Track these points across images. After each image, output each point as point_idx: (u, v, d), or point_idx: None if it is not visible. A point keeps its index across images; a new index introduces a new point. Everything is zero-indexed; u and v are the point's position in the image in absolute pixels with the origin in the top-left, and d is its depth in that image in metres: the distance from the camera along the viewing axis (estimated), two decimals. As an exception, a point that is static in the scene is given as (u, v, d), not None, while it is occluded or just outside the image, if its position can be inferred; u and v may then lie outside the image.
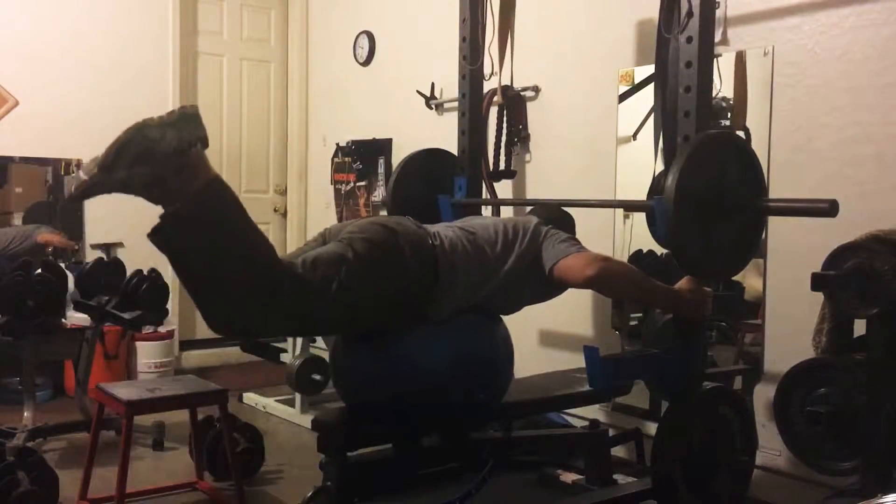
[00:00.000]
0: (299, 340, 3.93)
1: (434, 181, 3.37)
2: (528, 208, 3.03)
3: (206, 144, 1.85)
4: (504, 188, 3.94)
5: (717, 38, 2.90)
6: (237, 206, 1.90)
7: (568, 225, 2.76)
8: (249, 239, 1.91)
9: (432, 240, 2.21)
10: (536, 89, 3.88)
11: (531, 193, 3.91)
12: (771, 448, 2.83)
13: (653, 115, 3.16)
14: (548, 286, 2.39)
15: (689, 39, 2.43)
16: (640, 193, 3.11)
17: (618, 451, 3.20)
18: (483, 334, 2.34)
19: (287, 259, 2.04)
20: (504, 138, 3.85)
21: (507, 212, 3.86)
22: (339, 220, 5.21)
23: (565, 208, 2.96)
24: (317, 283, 1.98)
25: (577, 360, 2.36)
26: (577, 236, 2.47)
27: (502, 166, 3.87)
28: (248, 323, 1.96)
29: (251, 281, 1.89)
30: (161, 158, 1.78)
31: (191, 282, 1.93)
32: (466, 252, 2.25)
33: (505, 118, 3.85)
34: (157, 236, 1.85)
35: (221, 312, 1.96)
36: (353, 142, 5.15)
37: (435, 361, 2.22)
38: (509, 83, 3.71)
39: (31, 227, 4.74)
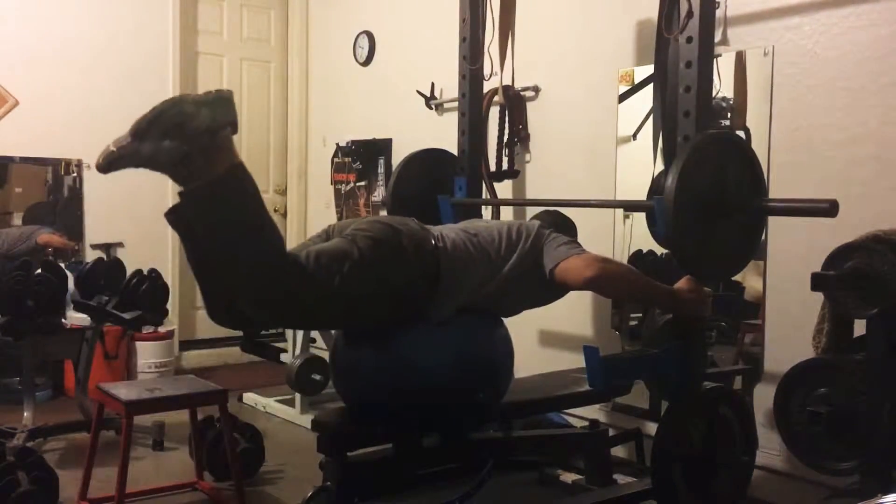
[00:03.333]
0: (299, 340, 3.93)
1: (434, 181, 3.37)
2: (529, 209, 3.04)
3: (235, 130, 1.89)
4: (504, 188, 3.94)
5: (717, 38, 2.90)
6: (255, 194, 1.93)
7: (570, 230, 2.78)
8: (262, 227, 1.93)
9: (435, 241, 2.22)
10: (536, 89, 3.88)
11: (531, 193, 3.91)
12: (771, 448, 2.83)
13: (652, 116, 3.17)
14: (548, 288, 2.40)
15: (689, 39, 2.43)
16: (640, 193, 3.12)
17: (618, 451, 3.20)
18: (483, 335, 2.34)
19: (292, 251, 2.06)
20: (505, 138, 3.85)
21: (507, 212, 3.86)
22: (340, 220, 5.21)
23: (566, 210, 2.96)
24: (320, 275, 1.99)
25: (577, 360, 2.36)
26: (578, 237, 2.47)
27: (504, 166, 3.87)
28: (250, 310, 1.99)
29: (257, 268, 1.92)
30: (192, 135, 1.80)
31: (198, 263, 1.98)
32: (469, 253, 2.26)
33: (507, 118, 3.84)
34: (174, 214, 1.90)
35: (224, 297, 2.01)
36: (353, 142, 5.15)
37: (435, 362, 2.22)
38: (510, 83, 3.71)
39: (31, 228, 4.74)
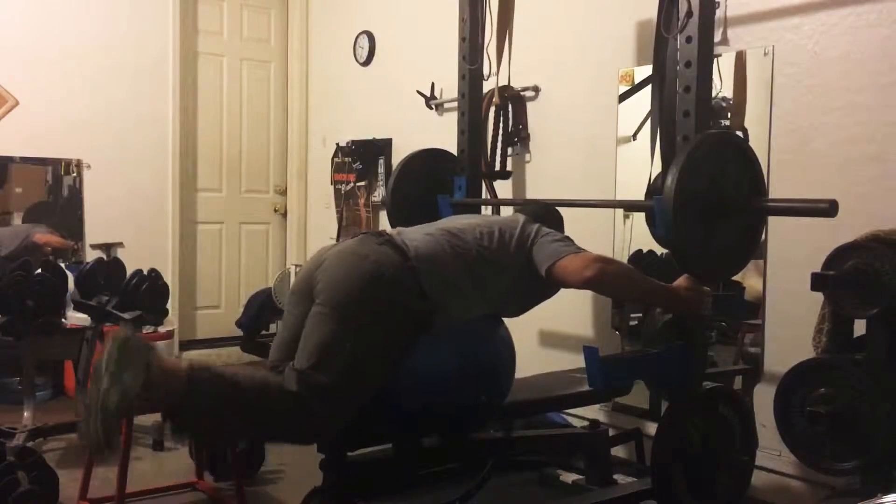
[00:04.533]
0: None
1: (434, 181, 3.37)
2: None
3: (152, 364, 1.91)
4: (504, 188, 3.94)
5: (717, 38, 2.90)
6: (224, 380, 2.00)
7: (555, 220, 2.72)
8: (250, 397, 2.01)
9: (408, 253, 2.20)
10: (536, 89, 3.88)
11: (531, 193, 3.91)
12: (771, 448, 2.83)
13: (651, 116, 3.16)
14: (544, 286, 2.39)
15: (689, 39, 2.43)
16: (640, 193, 3.12)
17: (618, 451, 3.19)
18: (484, 336, 2.34)
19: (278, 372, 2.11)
20: (500, 138, 3.84)
21: (506, 212, 3.85)
22: (339, 219, 5.22)
23: (566, 210, 2.96)
24: (333, 378, 2.05)
25: (577, 360, 2.36)
26: (578, 237, 2.46)
27: (498, 166, 3.87)
28: (319, 431, 2.12)
29: (277, 420, 2.05)
30: (133, 400, 1.87)
31: (225, 444, 2.20)
32: (448, 257, 2.25)
33: (502, 118, 3.84)
34: (175, 432, 2.10)
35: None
36: (353, 142, 5.15)
37: (436, 364, 2.21)
38: (508, 83, 3.70)
39: (26, 226, 4.73)
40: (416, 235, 2.32)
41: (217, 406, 1.97)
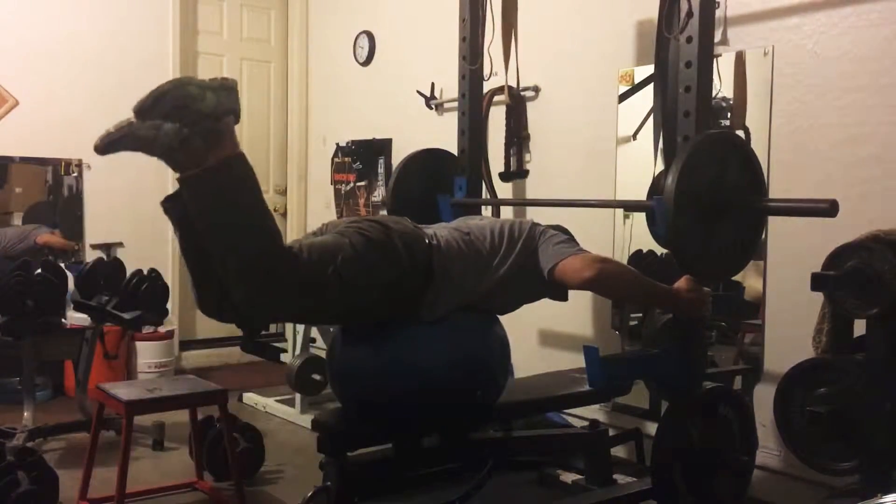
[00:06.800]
0: (299, 340, 3.93)
1: (434, 181, 3.37)
2: (529, 209, 3.03)
3: (237, 118, 1.88)
4: (504, 188, 3.94)
5: (717, 38, 2.90)
6: (255, 185, 1.93)
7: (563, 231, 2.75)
8: (259, 217, 1.92)
9: (429, 239, 2.22)
10: (536, 89, 3.88)
11: (531, 193, 3.91)
12: (771, 448, 2.83)
13: (652, 116, 3.17)
14: (545, 287, 2.39)
15: (689, 39, 2.43)
16: (640, 193, 3.12)
17: (618, 451, 3.19)
18: (478, 334, 2.34)
19: (288, 244, 2.05)
20: (514, 139, 3.85)
21: (507, 212, 3.86)
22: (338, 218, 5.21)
23: (566, 210, 2.96)
24: (314, 265, 1.99)
25: (577, 360, 2.36)
26: (578, 237, 2.46)
27: (511, 166, 3.87)
28: (241, 302, 1.97)
29: (252, 258, 1.90)
30: (195, 117, 1.79)
31: (191, 254, 1.97)
32: (461, 252, 2.25)
33: (513, 119, 3.84)
34: (170, 202, 1.89)
35: (215, 290, 1.99)
36: (353, 142, 5.16)
37: (430, 361, 2.21)
38: (513, 83, 3.69)
39: (28, 227, 4.74)
40: (431, 227, 2.36)
41: (234, 194, 1.88)
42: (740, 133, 3.03)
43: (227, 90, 1.85)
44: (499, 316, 2.43)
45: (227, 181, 1.87)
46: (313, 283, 2.00)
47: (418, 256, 2.15)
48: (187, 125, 1.79)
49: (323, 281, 2.00)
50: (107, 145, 1.79)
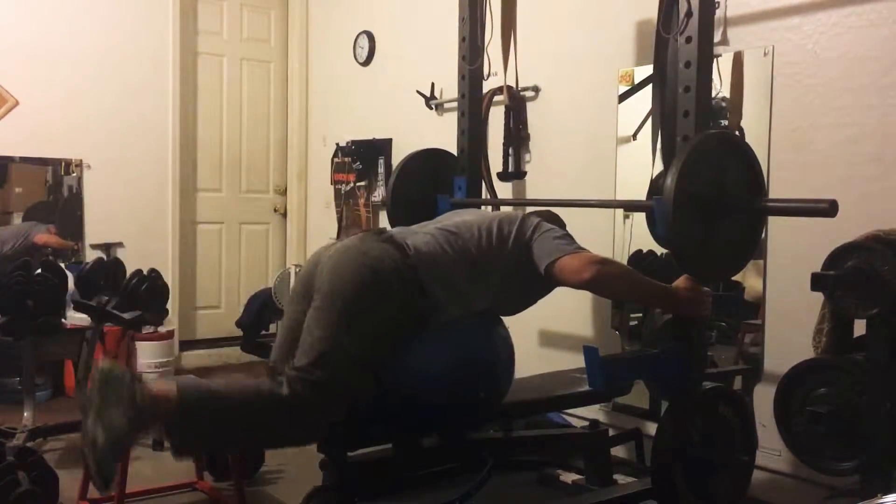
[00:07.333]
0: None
1: (434, 181, 3.37)
2: (529, 210, 3.02)
3: (138, 397, 1.90)
4: (504, 188, 3.94)
5: (717, 38, 2.90)
6: (215, 397, 2.02)
7: (556, 223, 2.73)
8: (243, 409, 2.03)
9: (408, 251, 2.20)
10: (536, 89, 3.88)
11: (531, 193, 3.91)
12: (771, 448, 2.83)
13: (652, 116, 3.17)
14: (542, 283, 2.39)
15: (689, 39, 2.43)
16: (640, 193, 3.11)
17: (618, 451, 3.19)
18: (482, 335, 2.34)
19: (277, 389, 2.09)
20: (514, 139, 3.85)
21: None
22: (339, 220, 5.22)
23: (566, 210, 2.95)
24: (326, 371, 2.05)
25: (577, 360, 2.36)
26: (578, 237, 2.45)
27: (507, 167, 3.87)
28: (306, 435, 2.15)
29: (272, 427, 2.07)
30: (122, 438, 1.89)
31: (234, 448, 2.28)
32: (448, 257, 2.25)
33: (512, 119, 3.84)
34: (175, 452, 2.02)
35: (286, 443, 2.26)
36: (353, 142, 5.15)
37: (435, 363, 2.21)
38: (513, 83, 3.69)
39: (26, 226, 4.73)
40: (414, 234, 2.32)
41: (212, 423, 1.99)
42: (737, 132, 3.03)
43: (110, 394, 1.89)
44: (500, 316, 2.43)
45: (193, 413, 1.96)
46: (340, 380, 2.07)
47: (406, 279, 2.15)
48: (132, 435, 1.94)
49: (345, 372, 2.08)
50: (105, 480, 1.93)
